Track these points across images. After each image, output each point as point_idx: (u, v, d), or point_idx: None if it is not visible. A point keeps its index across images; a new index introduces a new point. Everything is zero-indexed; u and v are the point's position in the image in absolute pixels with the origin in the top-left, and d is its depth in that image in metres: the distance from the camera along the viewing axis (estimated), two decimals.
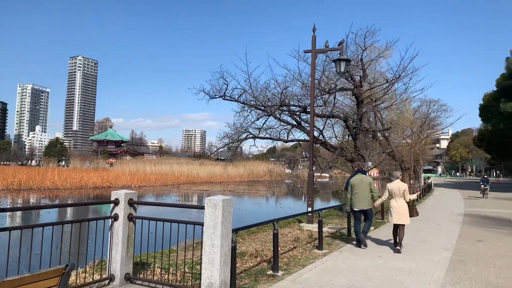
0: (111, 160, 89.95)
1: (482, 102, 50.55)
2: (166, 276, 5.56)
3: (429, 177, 53.15)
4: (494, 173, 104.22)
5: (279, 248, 7.11)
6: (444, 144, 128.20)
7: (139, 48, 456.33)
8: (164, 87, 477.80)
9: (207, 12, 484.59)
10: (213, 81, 15.34)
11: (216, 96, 15.34)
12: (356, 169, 9.79)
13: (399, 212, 8.48)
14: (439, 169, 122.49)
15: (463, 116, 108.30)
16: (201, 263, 4.78)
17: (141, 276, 5.79)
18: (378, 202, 9.26)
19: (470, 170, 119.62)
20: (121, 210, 5.45)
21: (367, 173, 10.26)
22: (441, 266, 7.14)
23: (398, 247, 8.46)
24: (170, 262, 6.07)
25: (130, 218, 5.52)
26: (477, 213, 17.25)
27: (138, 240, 5.64)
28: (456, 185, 49.62)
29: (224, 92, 15.25)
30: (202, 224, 4.81)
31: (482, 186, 28.88)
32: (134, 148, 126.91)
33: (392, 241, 8.89)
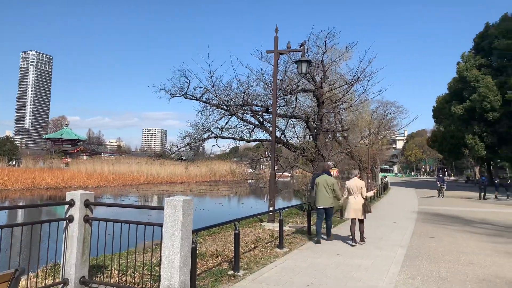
0: (66, 159, 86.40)
1: (435, 105, 53.03)
2: (124, 278, 5.42)
3: (385, 177, 55.03)
4: (446, 172, 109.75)
5: (240, 248, 7.11)
6: (400, 144, 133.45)
7: (98, 44, 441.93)
8: (124, 85, 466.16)
9: (168, 8, 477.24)
10: (175, 80, 15.14)
11: (178, 95, 15.13)
12: (322, 170, 10.38)
13: (356, 208, 9.10)
14: (395, 168, 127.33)
15: (417, 117, 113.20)
16: (160, 264, 4.69)
17: (98, 279, 5.61)
18: (341, 201, 9.72)
19: (424, 170, 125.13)
20: (77, 212, 5.24)
21: (331, 174, 10.70)
22: (396, 262, 7.42)
23: (354, 243, 8.99)
24: (129, 264, 5.92)
25: (86, 219, 5.33)
26: (429, 210, 18.07)
27: (94, 242, 5.46)
28: (411, 184, 51.77)
29: (186, 91, 15.08)
30: (161, 225, 4.72)
31: (439, 185, 28.79)
32: (91, 147, 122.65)
33: (350, 238, 9.25)
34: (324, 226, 9.82)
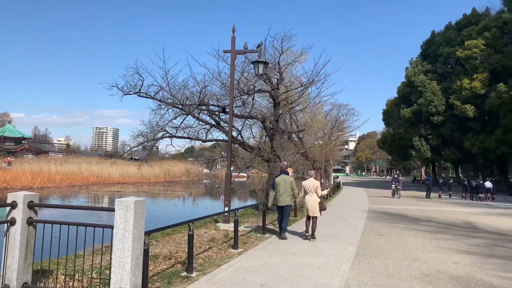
0: (9, 158, 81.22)
1: (385, 108, 55.36)
2: (71, 283, 5.19)
3: (338, 176, 56.68)
4: (395, 172, 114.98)
5: (194, 249, 7.04)
6: (351, 145, 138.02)
7: (45, 36, 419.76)
8: (73, 81, 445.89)
9: (123, 2, 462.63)
10: (128, 77, 14.67)
11: (131, 93, 14.70)
12: (281, 170, 10.83)
13: (312, 206, 9.73)
14: (347, 169, 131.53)
15: (368, 120, 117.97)
16: (110, 267, 4.53)
17: (42, 285, 5.32)
18: (297, 199, 10.22)
19: (374, 170, 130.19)
20: (19, 214, 4.94)
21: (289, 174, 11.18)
22: (347, 260, 7.66)
23: (310, 238, 9.68)
24: (76, 268, 5.67)
25: (30, 222, 5.03)
26: (379, 209, 18.83)
27: (39, 246, 5.16)
28: (362, 184, 53.70)
29: (139, 89, 14.69)
30: (112, 227, 4.56)
31: (394, 185, 28.18)
32: (37, 145, 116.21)
33: (304, 237, 9.79)
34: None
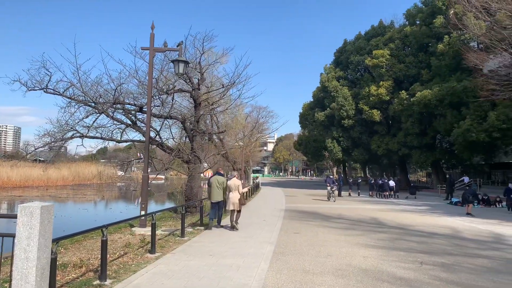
0: None
1: (301, 111, 57.73)
2: None
3: (257, 177, 57.83)
4: (309, 173, 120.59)
5: (108, 255, 6.65)
6: (270, 147, 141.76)
7: None
8: None
9: None
10: (33, 71, 13.40)
11: (36, 88, 13.43)
12: (216, 171, 12.84)
13: (234, 201, 11.40)
14: (266, 169, 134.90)
15: (286, 122, 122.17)
16: (10, 280, 4.09)
17: None
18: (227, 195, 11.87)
19: (291, 171, 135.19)
20: None
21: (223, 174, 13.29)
22: (265, 259, 7.82)
23: (234, 229, 11.31)
24: None
25: None
26: (295, 208, 19.57)
27: None
28: (279, 184, 55.37)
29: (46, 84, 13.48)
30: (13, 236, 4.12)
31: (329, 188, 25.08)
32: None
33: (230, 226, 11.46)
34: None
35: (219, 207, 11.85)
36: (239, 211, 11.62)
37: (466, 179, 32.67)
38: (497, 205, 23.12)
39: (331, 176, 27.62)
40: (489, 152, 34.43)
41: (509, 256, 8.68)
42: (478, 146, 29.56)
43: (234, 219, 11.49)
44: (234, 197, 11.40)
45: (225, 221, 12.68)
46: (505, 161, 36.11)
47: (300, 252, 8.65)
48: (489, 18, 22.11)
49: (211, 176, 12.64)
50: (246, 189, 16.51)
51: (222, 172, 13.04)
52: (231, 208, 11.35)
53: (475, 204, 21.20)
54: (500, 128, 25.86)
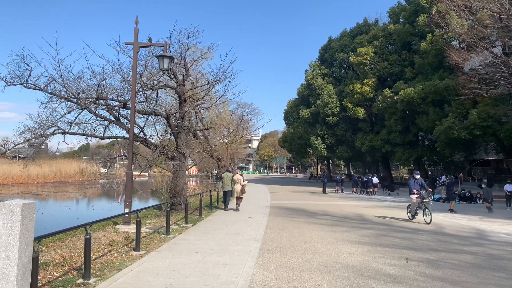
0: None
1: (286, 108, 57.84)
2: None
3: (242, 174, 57.58)
4: (294, 170, 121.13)
5: (92, 254, 6.51)
6: (255, 144, 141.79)
7: None
8: None
9: None
10: (13, 65, 13.00)
11: (16, 83, 13.03)
12: (226, 169, 18.02)
13: (237, 190, 16.23)
14: (250, 166, 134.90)
15: (271, 119, 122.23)
16: None
17: None
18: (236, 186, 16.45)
19: (275, 168, 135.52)
20: None
21: (232, 171, 17.69)
22: (252, 256, 7.78)
23: (237, 210, 15.87)
24: None
25: None
26: (280, 205, 19.59)
27: None
28: (264, 181, 55.44)
29: (27, 79, 13.09)
30: None
31: (323, 183, 26.22)
32: None
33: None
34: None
35: (228, 195, 16.45)
36: (241, 198, 16.57)
37: (443, 178, 33.29)
38: (478, 201, 23.64)
39: (327, 172, 29.15)
40: (470, 149, 35.10)
41: (491, 252, 8.85)
42: (459, 143, 30.09)
43: (238, 203, 16.28)
44: (237, 187, 16.32)
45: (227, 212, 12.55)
46: (485, 158, 36.85)
47: (286, 249, 8.63)
48: (471, 16, 22.48)
49: (223, 173, 17.42)
50: (246, 182, 19.50)
51: (230, 170, 18.39)
52: (236, 195, 16.35)
53: (457, 200, 21.62)
54: (481, 126, 26.36)
